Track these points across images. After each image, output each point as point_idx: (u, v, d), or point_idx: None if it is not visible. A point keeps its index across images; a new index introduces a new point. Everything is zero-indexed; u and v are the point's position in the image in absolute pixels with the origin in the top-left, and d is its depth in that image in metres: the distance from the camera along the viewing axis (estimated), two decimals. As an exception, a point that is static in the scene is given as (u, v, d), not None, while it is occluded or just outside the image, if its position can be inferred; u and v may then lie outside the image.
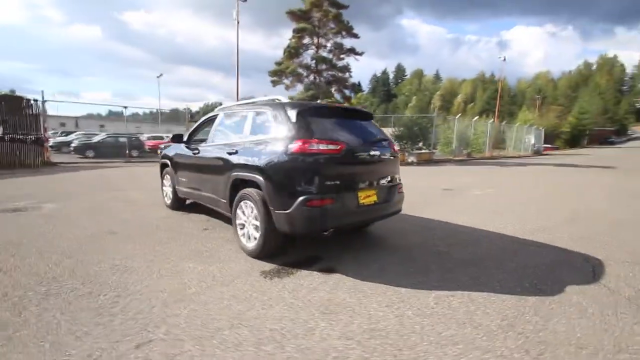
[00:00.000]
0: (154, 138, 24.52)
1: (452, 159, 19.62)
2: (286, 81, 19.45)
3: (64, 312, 2.21)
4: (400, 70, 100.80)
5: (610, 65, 75.61)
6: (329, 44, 19.48)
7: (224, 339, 1.95)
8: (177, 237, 3.88)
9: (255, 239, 3.21)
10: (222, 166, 3.68)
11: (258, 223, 3.13)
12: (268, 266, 3.06)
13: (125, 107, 15.49)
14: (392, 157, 3.52)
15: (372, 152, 3.24)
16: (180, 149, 4.92)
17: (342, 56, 19.84)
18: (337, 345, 1.92)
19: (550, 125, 39.17)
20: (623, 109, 70.95)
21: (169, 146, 5.52)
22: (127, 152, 15.73)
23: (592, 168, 15.09)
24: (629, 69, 77.74)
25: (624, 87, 75.63)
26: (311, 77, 19.58)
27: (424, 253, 3.52)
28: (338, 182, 2.96)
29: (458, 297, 2.54)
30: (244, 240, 3.38)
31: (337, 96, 19.73)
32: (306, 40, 19.30)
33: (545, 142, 34.24)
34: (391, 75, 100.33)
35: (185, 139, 4.90)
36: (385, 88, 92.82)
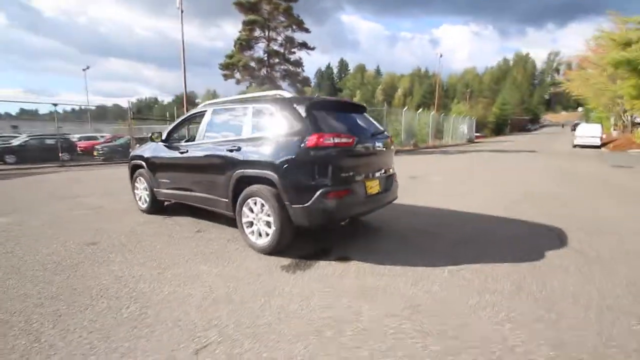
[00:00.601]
0: (87, 138, 22.01)
1: (402, 149, 20.82)
2: (238, 75, 18.83)
3: (91, 331, 2.02)
4: (343, 65, 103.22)
5: (524, 61, 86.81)
6: (280, 38, 19.28)
7: (281, 333, 1.98)
8: (171, 242, 3.68)
9: (267, 235, 3.19)
10: (221, 165, 3.55)
11: (270, 219, 3.13)
12: (285, 261, 3.08)
13: (55, 105, 13.61)
14: (389, 148, 3.74)
15: (376, 144, 3.42)
16: (159, 148, 4.60)
17: (293, 50, 19.79)
18: (389, 323, 2.07)
19: (479, 115, 43.61)
20: (536, 99, 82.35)
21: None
22: (60, 154, 13.90)
23: (520, 152, 17.27)
24: (539, 64, 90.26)
25: (536, 81, 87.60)
26: (263, 71, 19.22)
27: (421, 236, 3.82)
28: (351, 174, 3.09)
29: (467, 270, 2.86)
30: (252, 238, 3.34)
31: (291, 90, 19.68)
32: (257, 33, 18.83)
33: (475, 131, 38.09)
34: (335, 70, 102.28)
35: (163, 137, 4.59)
36: (330, 82, 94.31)
